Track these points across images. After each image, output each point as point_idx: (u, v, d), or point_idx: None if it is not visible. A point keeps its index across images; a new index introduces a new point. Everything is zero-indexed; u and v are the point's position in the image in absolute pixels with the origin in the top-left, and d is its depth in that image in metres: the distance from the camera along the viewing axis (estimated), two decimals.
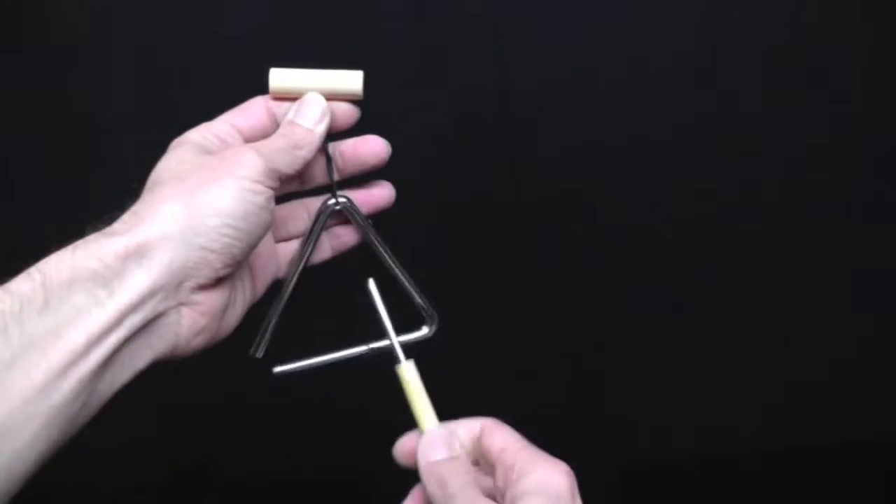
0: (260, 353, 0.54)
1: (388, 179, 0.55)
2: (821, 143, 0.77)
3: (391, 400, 0.72)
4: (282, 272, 0.54)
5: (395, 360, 0.50)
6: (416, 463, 0.46)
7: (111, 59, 0.71)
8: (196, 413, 0.79)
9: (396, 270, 0.55)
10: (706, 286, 0.80)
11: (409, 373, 0.49)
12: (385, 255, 0.54)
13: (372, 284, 0.50)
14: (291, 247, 0.54)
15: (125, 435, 0.77)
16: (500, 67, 0.74)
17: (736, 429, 0.83)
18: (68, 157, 0.73)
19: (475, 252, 0.78)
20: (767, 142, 0.77)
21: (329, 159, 0.52)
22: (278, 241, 0.55)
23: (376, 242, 0.54)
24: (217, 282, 0.45)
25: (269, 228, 0.48)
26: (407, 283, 0.55)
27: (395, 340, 0.50)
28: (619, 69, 0.75)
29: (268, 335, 0.53)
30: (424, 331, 0.55)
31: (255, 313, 0.52)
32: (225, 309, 0.47)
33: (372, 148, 0.52)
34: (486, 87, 0.74)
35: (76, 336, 0.39)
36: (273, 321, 0.53)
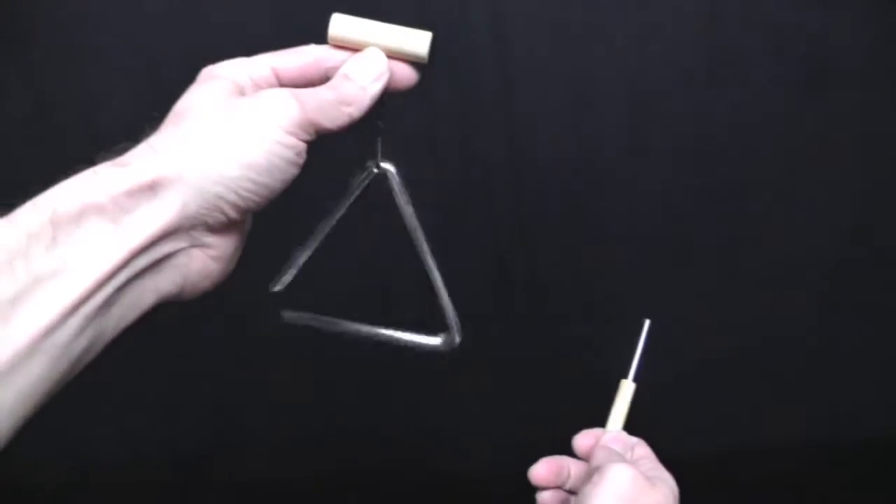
0: (279, 287, 0.50)
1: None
2: (820, 144, 0.77)
3: (390, 402, 0.72)
4: None
5: (624, 376, 0.55)
6: (584, 454, 0.53)
7: (111, 60, 0.71)
8: (196, 412, 0.79)
9: (432, 266, 0.50)
10: (707, 286, 0.80)
11: (629, 391, 0.56)
12: (422, 247, 0.50)
13: (647, 325, 0.55)
14: None
15: (125, 435, 0.78)
16: (501, 66, 0.74)
17: (736, 429, 0.83)
18: (68, 157, 0.73)
19: (475, 252, 0.78)
20: (767, 142, 0.77)
21: (378, 125, 0.47)
22: None
23: (415, 226, 0.49)
24: (231, 225, 0.43)
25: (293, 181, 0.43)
26: (439, 285, 0.51)
27: (635, 365, 0.56)
28: (620, 73, 0.75)
29: (291, 272, 0.49)
30: (437, 341, 0.52)
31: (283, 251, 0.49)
32: (235, 252, 0.45)
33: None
34: (488, 87, 0.74)
35: (84, 275, 0.37)
36: (301, 261, 0.49)
